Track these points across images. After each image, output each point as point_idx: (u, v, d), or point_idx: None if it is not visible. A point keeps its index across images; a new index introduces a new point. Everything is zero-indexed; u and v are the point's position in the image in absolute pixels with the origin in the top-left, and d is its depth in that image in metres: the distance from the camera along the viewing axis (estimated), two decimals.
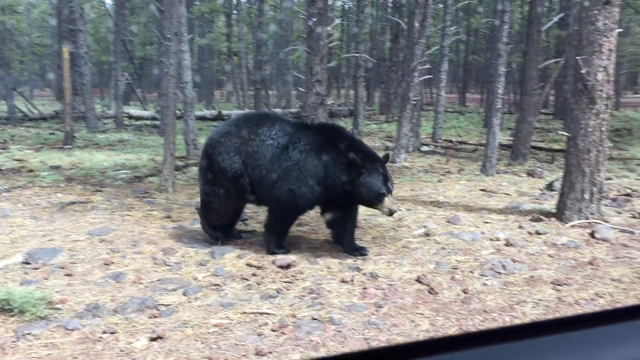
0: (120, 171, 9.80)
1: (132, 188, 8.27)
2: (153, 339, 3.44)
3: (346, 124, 20.94)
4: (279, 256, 5.00)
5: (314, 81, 8.67)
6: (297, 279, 4.55)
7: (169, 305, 4.00)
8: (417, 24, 11.00)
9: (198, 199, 7.31)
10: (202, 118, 19.41)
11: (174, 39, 8.11)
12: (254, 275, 4.61)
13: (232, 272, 4.69)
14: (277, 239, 5.22)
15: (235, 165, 5.14)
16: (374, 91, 32.12)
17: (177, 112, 9.51)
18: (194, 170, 10.06)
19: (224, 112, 21.56)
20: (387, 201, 4.89)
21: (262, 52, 21.61)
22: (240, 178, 5.15)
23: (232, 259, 5.01)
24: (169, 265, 4.83)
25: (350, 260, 5.00)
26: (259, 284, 4.44)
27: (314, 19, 8.84)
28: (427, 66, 12.40)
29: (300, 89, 10.31)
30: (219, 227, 5.49)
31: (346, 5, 28.78)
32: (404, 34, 20.57)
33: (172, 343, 3.42)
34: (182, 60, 10.84)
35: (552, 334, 1.03)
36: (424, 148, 13.57)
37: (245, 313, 3.89)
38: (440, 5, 17.96)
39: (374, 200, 4.88)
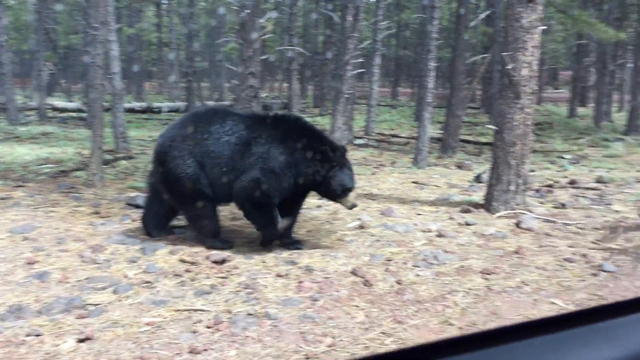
0: (44, 165, 9.37)
1: (57, 183, 7.91)
2: (81, 340, 3.30)
3: None
4: (214, 251, 4.91)
5: (248, 74, 8.57)
6: (232, 274, 4.49)
7: (98, 304, 3.86)
8: (350, 18, 11.07)
9: (128, 194, 7.13)
10: (131, 110, 18.84)
11: (101, 27, 7.81)
12: (187, 271, 4.51)
13: (165, 268, 4.57)
14: (271, 232, 5.09)
15: (190, 169, 4.93)
16: (307, 84, 32.17)
17: (105, 104, 9.17)
18: (124, 164, 9.75)
19: (155, 104, 21.04)
20: (352, 195, 5.00)
21: (194, 43, 21.19)
22: (198, 181, 4.94)
23: (165, 255, 4.89)
24: (97, 263, 4.66)
25: (285, 254, 4.99)
26: (192, 280, 4.36)
27: (247, 11, 8.74)
28: (360, 60, 12.52)
29: (234, 81, 10.18)
30: (216, 233, 5.17)
31: None
32: (337, 27, 20.72)
33: (102, 344, 3.30)
34: (110, 50, 10.48)
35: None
36: (358, 141, 13.71)
37: (178, 310, 3.81)
38: (372, 0, 18.16)
39: (341, 194, 4.93)
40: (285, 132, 4.96)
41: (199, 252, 4.94)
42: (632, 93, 17.53)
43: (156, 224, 5.46)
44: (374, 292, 4.25)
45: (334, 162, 4.87)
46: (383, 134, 15.47)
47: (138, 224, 5.86)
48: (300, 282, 4.35)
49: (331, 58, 22.45)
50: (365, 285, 4.36)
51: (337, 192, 4.93)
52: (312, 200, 7.14)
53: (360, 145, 13.29)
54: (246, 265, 4.71)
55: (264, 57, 9.81)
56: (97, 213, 6.30)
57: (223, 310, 3.83)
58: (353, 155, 11.59)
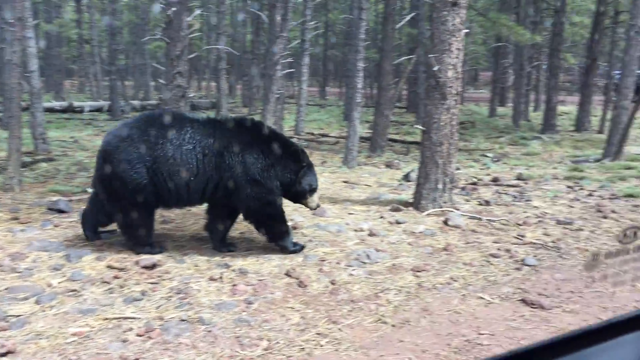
0: None
1: None
2: (2, 355, 3.13)
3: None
4: (144, 256, 4.78)
5: (175, 73, 8.37)
6: (163, 279, 4.38)
7: (19, 315, 3.67)
8: (279, 18, 11.05)
9: (49, 198, 6.81)
10: (51, 110, 18.03)
11: (17, 24, 7.42)
12: (115, 277, 4.36)
13: (92, 275, 4.40)
14: (283, 239, 5.05)
15: (137, 174, 4.70)
16: (235, 83, 31.85)
17: (23, 103, 8.72)
18: (44, 166, 9.32)
19: (76, 103, 20.22)
20: (316, 195, 5.19)
21: (117, 40, 20.51)
22: (144, 188, 4.73)
23: (91, 261, 4.71)
24: (18, 272, 4.42)
25: (218, 257, 4.92)
26: (121, 286, 4.22)
27: (174, 9, 8.53)
28: (290, 60, 12.52)
29: (160, 80, 9.93)
30: (146, 241, 4.97)
31: None
32: (265, 26, 20.64)
33: (25, 357, 3.15)
34: (27, 47, 9.98)
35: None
36: None
37: (107, 319, 3.68)
38: (300, 0, 18.21)
39: (307, 194, 5.07)
40: (253, 137, 4.92)
41: (127, 258, 4.79)
42: (547, 93, 18.42)
43: (93, 225, 5.27)
44: (308, 293, 4.26)
45: (304, 162, 5.02)
46: (313, 134, 15.55)
47: (61, 229, 5.63)
48: (234, 285, 4.31)
49: (260, 57, 22.34)
50: (299, 286, 4.36)
51: (304, 192, 5.06)
52: None
53: None
54: (178, 269, 4.61)
55: (191, 55, 9.60)
56: (16, 219, 5.99)
57: (155, 317, 3.73)
58: None
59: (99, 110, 19.96)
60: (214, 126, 4.92)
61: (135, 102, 22.03)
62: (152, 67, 24.33)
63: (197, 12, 10.80)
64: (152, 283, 4.30)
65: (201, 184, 4.79)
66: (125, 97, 23.07)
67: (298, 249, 5.11)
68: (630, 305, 4.20)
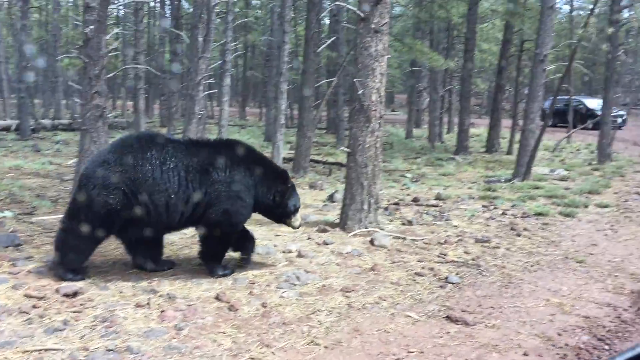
0: None
1: None
2: None
3: None
4: (65, 283, 4.56)
5: (94, 92, 8.10)
6: (87, 308, 4.20)
7: None
8: (200, 38, 10.96)
9: None
10: None
11: None
12: (35, 307, 4.13)
13: (8, 305, 4.15)
14: (218, 262, 5.08)
15: (112, 198, 4.58)
16: (152, 103, 31.16)
17: None
18: None
19: None
20: (299, 215, 5.37)
21: (26, 57, 19.57)
22: (117, 213, 4.62)
23: (7, 290, 4.44)
24: None
25: (144, 283, 4.77)
26: (41, 316, 4.00)
27: (92, 27, 8.28)
28: (212, 80, 12.43)
29: (75, 99, 9.57)
30: (73, 266, 4.79)
31: (121, 12, 27.48)
32: (183, 45, 20.40)
33: None
34: None
35: None
36: None
37: (27, 351, 3.48)
38: (218, 20, 18.15)
39: (291, 214, 5.23)
40: (240, 158, 5.01)
41: (46, 286, 4.56)
42: (459, 116, 19.26)
43: (152, 255, 5.18)
44: (239, 316, 4.22)
45: (289, 184, 5.19)
46: None
47: None
48: (162, 311, 4.20)
49: (179, 77, 22.02)
50: (230, 310, 4.31)
51: (289, 213, 5.21)
52: None
53: None
54: (102, 296, 4.43)
55: (110, 75, 9.34)
56: None
57: (79, 347, 3.57)
58: None
59: (6, 129, 18.90)
60: (195, 146, 4.99)
61: (46, 121, 21.06)
62: (65, 85, 23.38)
63: (116, 30, 10.53)
64: (74, 312, 4.11)
65: (188, 202, 4.77)
66: (35, 116, 22.01)
67: (228, 272, 5.06)
68: (546, 319, 4.45)
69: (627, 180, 12.18)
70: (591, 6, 26.76)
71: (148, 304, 4.32)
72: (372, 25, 6.37)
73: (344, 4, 10.71)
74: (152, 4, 28.87)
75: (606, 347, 4.02)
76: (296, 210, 5.28)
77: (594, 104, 27.86)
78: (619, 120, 26.23)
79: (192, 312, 4.20)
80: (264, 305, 4.42)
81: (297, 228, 5.55)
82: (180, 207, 4.75)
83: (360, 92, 6.47)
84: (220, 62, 14.47)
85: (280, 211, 5.20)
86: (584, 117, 26.59)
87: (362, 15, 6.41)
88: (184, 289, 4.68)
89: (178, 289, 4.68)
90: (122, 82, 29.50)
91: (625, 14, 18.08)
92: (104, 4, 8.16)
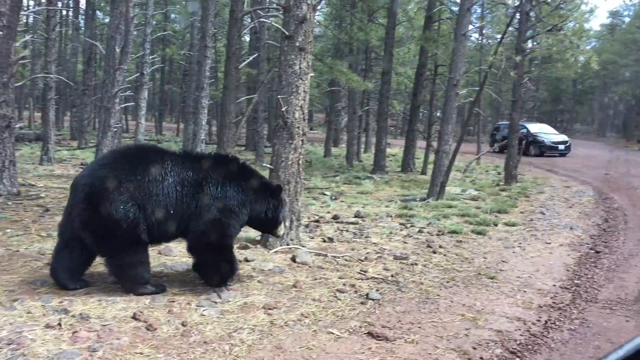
0: None
1: None
2: None
3: (33, 149, 18.98)
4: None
5: (1, 101, 7.68)
6: None
7: None
8: (117, 50, 10.66)
9: None
10: None
11: None
12: None
13: None
14: (223, 283, 5.09)
15: (132, 213, 4.59)
16: (63, 115, 29.86)
17: None
18: None
19: None
20: (282, 224, 5.57)
21: None
22: (138, 227, 4.63)
23: None
24: None
25: (55, 302, 4.52)
26: None
27: (1, 33, 7.87)
28: (129, 93, 12.08)
29: None
30: (147, 279, 4.84)
31: (31, 19, 26.22)
32: (97, 57, 19.74)
33: None
34: None
35: None
36: None
37: None
38: (135, 33, 17.75)
39: (279, 224, 5.43)
40: (234, 172, 5.08)
41: None
42: (376, 136, 19.76)
43: (72, 274, 4.93)
44: (158, 336, 4.08)
45: (281, 198, 5.39)
46: None
47: None
48: (75, 332, 3.99)
49: (92, 89, 21.25)
50: (148, 329, 4.16)
51: (278, 224, 5.41)
52: None
53: None
54: (7, 317, 4.16)
55: (19, 84, 8.88)
56: None
57: None
58: None
59: None
60: (192, 159, 5.02)
61: None
62: None
63: (27, 37, 10.05)
64: None
65: (184, 216, 4.82)
66: None
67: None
68: (462, 334, 4.59)
69: (531, 200, 12.88)
70: (499, 35, 28.37)
71: (59, 324, 4.09)
72: (297, 44, 6.44)
73: (269, 21, 10.75)
74: (64, 12, 27.80)
75: (518, 359, 4.20)
76: (282, 221, 5.54)
77: (535, 129, 28.35)
78: (561, 147, 26.87)
79: (107, 333, 4.02)
80: (183, 324, 4.30)
81: (280, 235, 5.83)
82: (175, 222, 4.80)
83: (283, 109, 6.50)
84: (137, 74, 14.11)
85: (272, 223, 5.39)
86: (528, 143, 25.93)
87: (286, 33, 6.46)
88: (98, 308, 4.47)
89: (92, 308, 4.47)
90: (30, 92, 28.13)
91: (529, 44, 19.27)
92: (14, 10, 7.80)
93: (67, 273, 4.91)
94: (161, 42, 30.69)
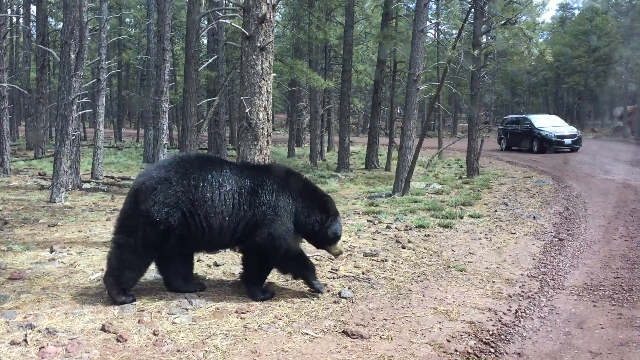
0: None
1: None
2: None
3: None
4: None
5: None
6: None
7: None
8: (73, 56, 10.40)
9: None
10: None
11: None
12: None
13: None
14: (259, 285, 5.08)
15: (173, 217, 4.65)
16: (17, 124, 29.03)
17: None
18: None
19: None
20: (340, 242, 5.33)
21: None
22: (173, 231, 4.70)
23: None
24: None
25: (19, 317, 4.37)
26: None
27: None
28: (86, 99, 11.80)
29: None
30: (130, 286, 4.87)
31: None
32: (50, 64, 19.25)
33: None
34: None
35: None
36: (85, 185, 12.82)
37: None
38: (89, 38, 17.38)
39: (332, 241, 5.21)
40: (286, 183, 5.06)
41: None
42: (339, 135, 19.81)
43: (183, 278, 5.19)
44: (129, 347, 3.98)
45: (332, 211, 5.15)
46: (112, 177, 14.74)
47: None
48: (41, 347, 3.86)
49: (47, 96, 20.69)
50: (118, 341, 4.06)
51: (330, 240, 5.20)
52: (42, 253, 6.46)
53: (88, 190, 12.43)
54: None
55: None
56: None
57: None
58: (83, 200, 10.78)
59: None
60: (249, 169, 5.09)
61: None
62: None
63: None
64: None
65: (239, 223, 4.86)
66: None
67: (268, 296, 5.12)
68: (435, 327, 4.63)
69: (494, 192, 13.10)
70: (454, 31, 28.80)
71: (25, 340, 3.95)
72: (258, 44, 6.38)
73: (228, 22, 10.63)
74: (14, 19, 27.05)
75: (492, 350, 4.25)
76: (336, 238, 5.25)
77: (540, 122, 24.84)
78: (567, 141, 23.14)
79: (75, 347, 3.90)
80: (155, 333, 4.21)
81: (337, 255, 5.59)
82: (231, 229, 4.84)
83: (247, 110, 6.44)
84: (94, 80, 13.81)
85: (320, 239, 5.23)
86: (532, 138, 24.00)
87: (247, 33, 6.40)
88: (65, 322, 4.34)
89: (59, 322, 4.34)
90: None
91: (484, 38, 19.61)
92: None
93: (179, 276, 5.16)
94: (117, 46, 30.12)
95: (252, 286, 5.10)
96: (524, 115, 26.75)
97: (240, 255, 5.34)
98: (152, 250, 4.78)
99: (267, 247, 4.94)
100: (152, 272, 5.65)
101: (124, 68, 35.38)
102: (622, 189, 12.63)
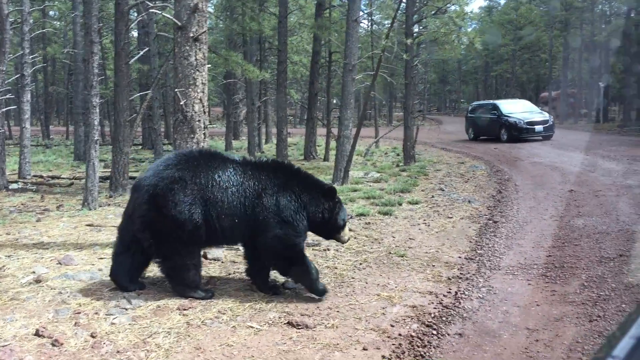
0: None
1: None
2: None
3: None
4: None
5: None
6: None
7: None
8: None
9: None
10: None
11: None
12: None
13: None
14: (309, 275, 4.94)
15: (196, 215, 4.65)
16: None
17: None
18: None
19: None
20: (347, 229, 5.33)
21: None
22: (200, 229, 4.70)
23: None
24: None
25: None
26: None
27: None
28: (10, 96, 11.24)
29: None
30: (198, 283, 4.91)
31: None
32: None
33: None
34: None
35: None
36: (13, 186, 12.23)
37: None
38: (11, 32, 16.56)
39: (341, 228, 5.19)
40: (288, 179, 5.02)
41: None
42: (277, 126, 19.71)
43: (131, 276, 5.01)
44: (66, 351, 3.83)
45: (337, 199, 5.15)
46: (42, 177, 14.13)
47: None
48: None
49: None
50: (54, 345, 3.90)
51: (340, 228, 5.18)
52: None
53: (16, 190, 11.86)
54: None
55: None
56: None
57: None
58: (10, 201, 10.29)
59: None
60: (251, 167, 5.00)
61: None
62: None
63: None
64: None
65: (244, 224, 4.83)
66: None
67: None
68: (379, 313, 4.68)
69: (430, 178, 13.38)
70: (387, 21, 29.14)
71: None
72: (191, 34, 6.23)
73: (159, 12, 10.35)
74: None
75: (434, 332, 4.34)
76: (345, 224, 5.26)
77: (509, 107, 22.70)
78: (538, 128, 21.18)
79: (7, 354, 3.72)
80: (93, 335, 4.07)
81: (346, 242, 5.65)
82: (241, 228, 4.84)
83: (182, 102, 6.29)
84: (17, 76, 13.17)
85: (330, 227, 5.18)
86: (500, 125, 22.11)
87: (179, 23, 6.24)
88: None
89: None
90: None
91: (416, 28, 19.92)
92: None
93: (127, 276, 4.99)
94: (41, 40, 28.83)
95: (306, 282, 5.01)
96: (491, 101, 25.18)
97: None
98: (195, 247, 4.87)
99: (287, 245, 4.95)
100: (87, 273, 5.45)
101: (49, 63, 33.94)
102: (550, 172, 13.16)
